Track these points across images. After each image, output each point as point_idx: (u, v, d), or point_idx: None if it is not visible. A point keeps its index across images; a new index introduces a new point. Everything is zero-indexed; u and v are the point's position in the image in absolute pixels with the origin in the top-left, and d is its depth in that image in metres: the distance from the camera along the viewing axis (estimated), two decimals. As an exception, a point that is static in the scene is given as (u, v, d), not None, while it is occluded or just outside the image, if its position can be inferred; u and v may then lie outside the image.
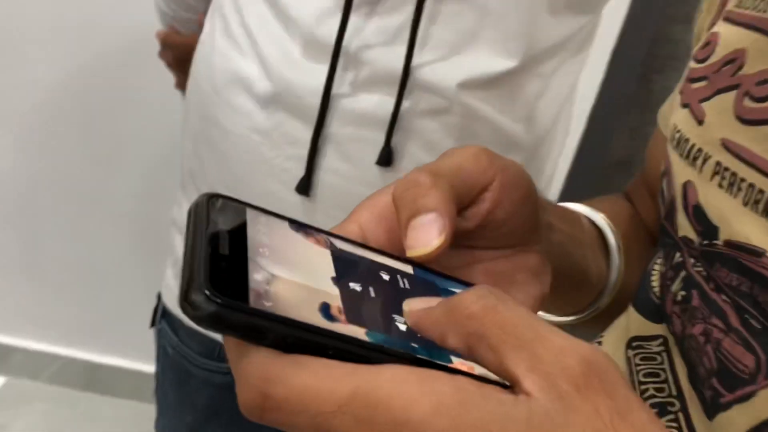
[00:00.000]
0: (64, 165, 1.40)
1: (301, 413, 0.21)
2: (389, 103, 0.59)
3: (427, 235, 0.29)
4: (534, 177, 0.37)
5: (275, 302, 0.24)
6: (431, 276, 0.32)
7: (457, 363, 0.25)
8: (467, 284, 0.33)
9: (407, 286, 0.30)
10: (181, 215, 0.73)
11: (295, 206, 0.64)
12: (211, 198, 0.28)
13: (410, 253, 0.30)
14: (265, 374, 0.22)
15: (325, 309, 0.25)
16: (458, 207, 0.32)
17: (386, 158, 0.61)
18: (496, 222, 0.33)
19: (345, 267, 0.29)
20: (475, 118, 0.61)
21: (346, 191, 0.63)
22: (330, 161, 0.62)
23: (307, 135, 0.61)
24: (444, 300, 0.24)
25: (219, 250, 0.25)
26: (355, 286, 0.27)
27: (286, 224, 0.29)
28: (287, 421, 0.22)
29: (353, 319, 0.25)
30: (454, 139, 0.63)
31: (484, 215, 0.33)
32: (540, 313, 0.46)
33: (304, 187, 0.63)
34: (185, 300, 0.23)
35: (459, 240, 0.34)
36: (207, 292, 0.23)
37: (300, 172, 0.62)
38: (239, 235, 0.27)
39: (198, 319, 0.23)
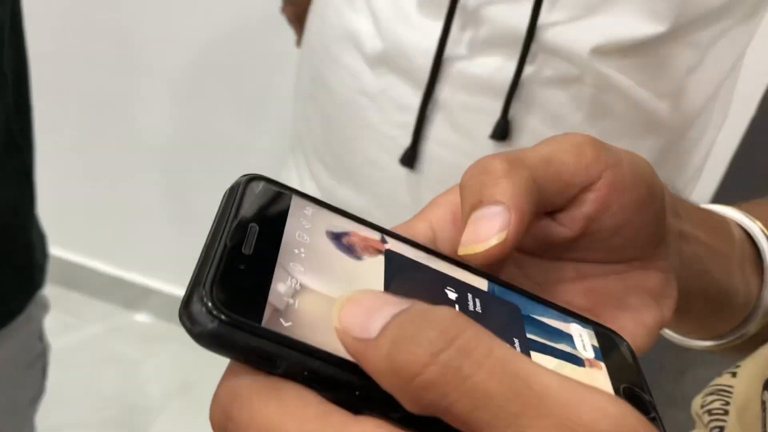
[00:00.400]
0: (212, 119, 1.45)
1: None
2: (509, 68, 0.53)
3: (486, 230, 0.24)
4: (676, 169, 0.29)
5: (296, 322, 0.19)
6: (514, 296, 0.26)
7: None
8: (561, 310, 0.27)
9: (478, 308, 0.24)
10: (289, 179, 0.71)
11: (398, 179, 0.59)
12: (251, 181, 0.24)
13: (461, 251, 0.24)
14: (234, 392, 0.19)
15: None
16: (545, 206, 0.26)
17: (502, 131, 0.54)
18: (604, 231, 0.27)
19: (400, 279, 0.24)
20: (610, 90, 0.53)
21: (456, 166, 0.57)
22: (439, 131, 0.57)
23: (415, 101, 0.56)
24: (387, 335, 0.17)
25: (241, 248, 0.21)
26: None
27: (337, 219, 0.25)
28: None
29: None
30: (584, 113, 0.55)
31: (585, 221, 0.27)
32: (666, 331, 0.38)
33: (410, 158, 0.58)
34: (182, 309, 0.19)
35: (557, 251, 0.28)
36: (209, 304, 0.18)
37: (406, 141, 0.57)
38: (273, 230, 0.22)
39: (195, 336, 0.18)
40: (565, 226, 0.27)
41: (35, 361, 0.73)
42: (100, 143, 1.49)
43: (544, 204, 0.26)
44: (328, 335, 0.19)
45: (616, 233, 0.27)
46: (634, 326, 0.28)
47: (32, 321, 0.71)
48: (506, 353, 0.17)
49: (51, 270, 0.70)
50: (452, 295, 0.24)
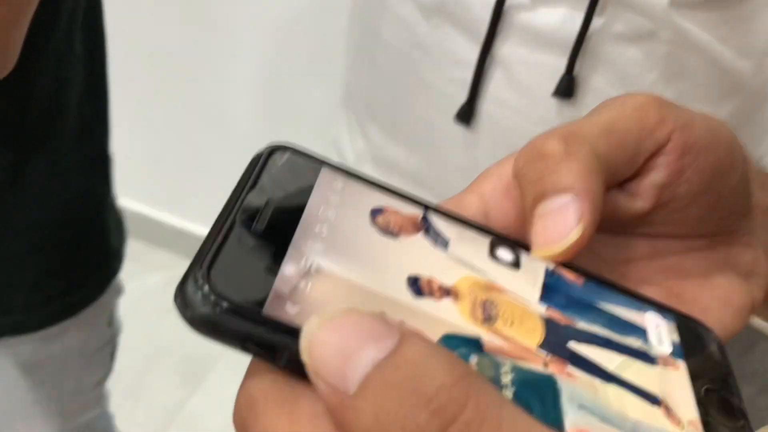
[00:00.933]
0: (271, 76, 1.43)
1: None
2: (576, 20, 0.48)
3: (560, 226, 0.21)
4: (755, 138, 0.26)
5: (306, 309, 0.17)
6: (576, 280, 0.23)
7: None
8: (635, 296, 0.24)
9: (537, 296, 0.22)
10: (340, 135, 0.68)
11: (453, 139, 0.56)
12: (275, 151, 0.22)
13: (535, 253, 0.22)
14: (251, 400, 0.17)
15: None
16: (613, 181, 0.23)
17: (566, 88, 0.50)
18: (679, 200, 0.24)
19: (436, 262, 0.21)
20: (688, 48, 0.48)
21: (514, 127, 0.54)
22: (497, 88, 0.53)
23: (473, 55, 0.52)
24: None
25: (251, 225, 0.19)
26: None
27: (372, 194, 0.22)
28: None
29: None
30: (657, 73, 0.50)
31: (658, 190, 0.24)
32: (756, 320, 0.35)
33: (466, 115, 0.54)
34: (177, 291, 0.17)
35: (629, 225, 0.25)
36: (204, 287, 0.17)
37: (462, 99, 0.54)
38: (293, 205, 0.20)
39: (187, 321, 0.17)
40: (637, 198, 0.24)
41: (104, 347, 0.72)
42: (168, 95, 1.50)
43: (612, 179, 0.23)
44: None
45: (693, 202, 0.24)
46: (719, 307, 0.25)
47: (105, 308, 0.70)
48: (518, 429, 0.14)
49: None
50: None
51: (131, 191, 1.59)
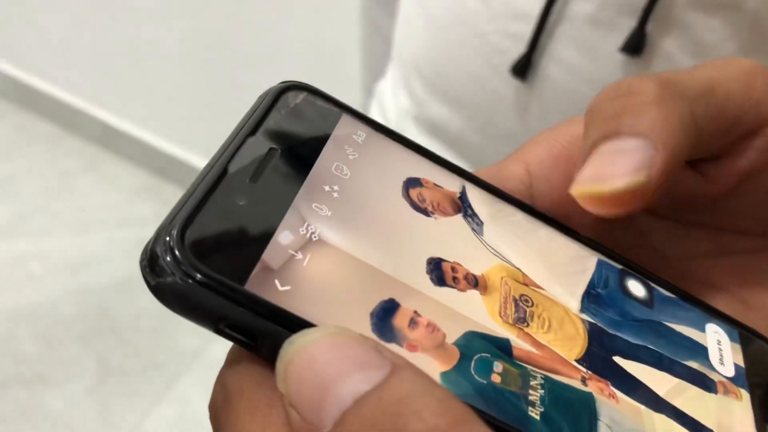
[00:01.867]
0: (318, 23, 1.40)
1: None
2: None
3: (621, 166, 0.17)
4: None
5: (298, 288, 0.14)
6: (629, 281, 0.20)
7: None
8: (695, 303, 0.20)
9: (581, 295, 0.18)
10: (384, 91, 0.65)
11: (504, 99, 0.52)
12: (289, 89, 0.18)
13: (575, 189, 0.18)
14: (227, 391, 0.14)
15: (386, 313, 0.15)
16: (696, 153, 0.19)
17: (636, 43, 0.46)
18: (763, 192, 0.20)
19: (465, 245, 0.18)
20: None
21: (573, 90, 0.50)
22: (559, 46, 0.49)
23: (536, 8, 0.48)
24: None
25: (245, 178, 0.15)
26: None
27: (399, 153, 0.18)
28: None
29: None
30: (737, 44, 0.45)
31: (741, 177, 0.20)
32: None
33: (522, 68, 0.50)
34: (143, 254, 0.14)
35: (694, 213, 0.21)
36: (174, 252, 0.13)
37: (518, 56, 0.50)
38: (301, 158, 0.17)
39: (151, 289, 0.14)
40: (714, 181, 0.20)
41: None
42: (203, 48, 1.47)
43: (696, 150, 0.19)
44: (342, 314, 0.14)
45: None
46: None
47: None
48: None
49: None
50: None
51: (166, 132, 1.59)
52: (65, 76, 1.63)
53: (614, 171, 0.17)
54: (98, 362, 1.17)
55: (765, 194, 0.20)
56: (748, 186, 0.20)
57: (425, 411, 0.11)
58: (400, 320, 0.15)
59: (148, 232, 0.16)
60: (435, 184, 0.18)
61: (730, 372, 0.19)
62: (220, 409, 0.14)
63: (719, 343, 0.19)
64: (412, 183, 0.18)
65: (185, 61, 1.51)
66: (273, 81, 0.19)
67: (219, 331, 0.14)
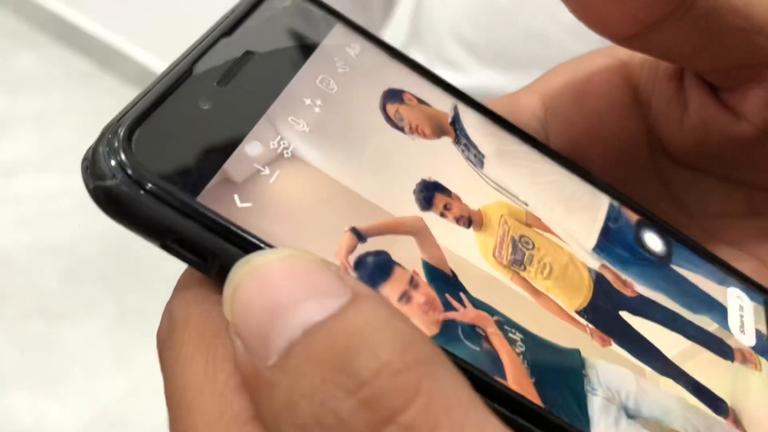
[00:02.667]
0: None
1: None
2: None
3: None
4: None
5: (260, 206, 0.12)
6: (643, 231, 0.18)
7: None
8: (716, 263, 0.18)
9: (592, 243, 0.16)
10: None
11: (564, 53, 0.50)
12: None
13: None
14: (172, 319, 0.13)
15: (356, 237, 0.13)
16: (706, 65, 0.17)
17: None
18: None
19: (463, 177, 0.16)
20: None
21: None
22: None
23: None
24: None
25: (213, 81, 0.14)
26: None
27: (395, 69, 0.17)
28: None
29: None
30: None
31: None
32: None
33: None
34: (86, 153, 0.12)
35: (726, 162, 0.19)
36: (119, 152, 0.12)
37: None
38: (280, 65, 0.15)
39: (90, 192, 0.12)
40: (742, 117, 0.18)
41: None
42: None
43: (705, 45, 0.16)
44: (308, 239, 0.13)
45: None
46: None
47: None
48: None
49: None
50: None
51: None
52: (105, 14, 1.62)
53: None
54: (117, 303, 1.18)
55: None
56: None
57: (379, 345, 0.10)
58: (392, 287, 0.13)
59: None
60: (420, 101, 0.16)
61: (751, 340, 0.17)
62: (165, 339, 0.13)
63: (741, 309, 0.18)
64: (391, 97, 0.16)
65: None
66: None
67: (165, 247, 0.12)
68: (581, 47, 0.47)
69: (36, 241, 1.25)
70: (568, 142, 0.19)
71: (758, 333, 0.18)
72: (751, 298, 0.18)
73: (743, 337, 0.17)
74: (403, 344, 0.10)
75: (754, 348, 0.17)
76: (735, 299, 0.18)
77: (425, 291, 0.14)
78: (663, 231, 0.18)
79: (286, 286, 0.11)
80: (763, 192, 0.20)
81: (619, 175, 0.19)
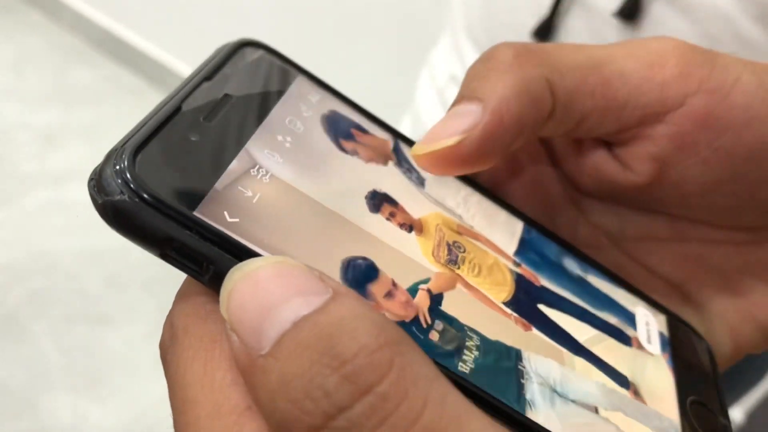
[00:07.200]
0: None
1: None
2: None
3: (447, 130, 0.18)
4: None
5: (247, 220, 0.14)
6: (549, 256, 0.20)
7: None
8: (627, 287, 0.20)
9: (512, 249, 0.19)
10: (430, 55, 0.63)
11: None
12: (247, 45, 0.19)
13: (412, 150, 0.18)
14: (173, 329, 0.15)
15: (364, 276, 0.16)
16: (589, 132, 0.19)
17: (629, 10, 0.44)
18: (692, 184, 0.19)
19: (405, 193, 0.18)
20: None
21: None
22: (572, 6, 0.48)
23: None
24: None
25: (200, 117, 0.16)
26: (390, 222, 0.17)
27: (349, 114, 0.19)
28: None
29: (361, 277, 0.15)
30: (752, 18, 0.42)
31: (655, 164, 0.19)
32: None
33: (630, 9, 0.48)
34: (92, 174, 0.14)
35: (634, 201, 0.21)
36: (125, 171, 0.14)
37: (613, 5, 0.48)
38: (254, 107, 0.17)
39: (98, 208, 0.14)
40: (630, 169, 0.19)
41: None
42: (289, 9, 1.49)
43: (586, 128, 0.19)
44: (287, 247, 0.14)
45: (716, 189, 0.19)
46: (740, 320, 0.21)
47: None
48: (444, 412, 0.11)
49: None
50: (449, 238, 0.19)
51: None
52: (155, 32, 1.68)
53: (444, 133, 0.18)
54: (158, 309, 1.21)
55: (697, 186, 0.19)
56: (671, 176, 0.19)
57: (358, 331, 0.12)
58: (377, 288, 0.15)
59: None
60: (365, 132, 0.19)
61: (656, 346, 0.19)
62: (167, 348, 0.15)
63: (647, 321, 0.20)
64: (342, 132, 0.19)
65: (273, 22, 1.53)
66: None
67: (165, 256, 0.14)
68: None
69: (83, 247, 1.30)
70: (488, 175, 0.21)
71: (662, 336, 0.20)
72: (654, 314, 0.20)
73: (650, 347, 0.19)
74: (377, 329, 0.12)
75: (661, 350, 0.19)
76: (642, 314, 0.20)
77: (403, 292, 0.16)
78: (577, 255, 0.20)
79: (275, 286, 0.13)
80: (683, 221, 0.21)
81: (536, 205, 0.21)
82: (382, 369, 0.11)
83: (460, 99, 0.18)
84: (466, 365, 0.15)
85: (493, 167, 0.20)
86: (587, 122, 0.19)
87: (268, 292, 0.12)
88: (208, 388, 0.14)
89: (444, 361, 0.15)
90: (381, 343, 0.12)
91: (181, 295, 0.15)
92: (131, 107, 1.58)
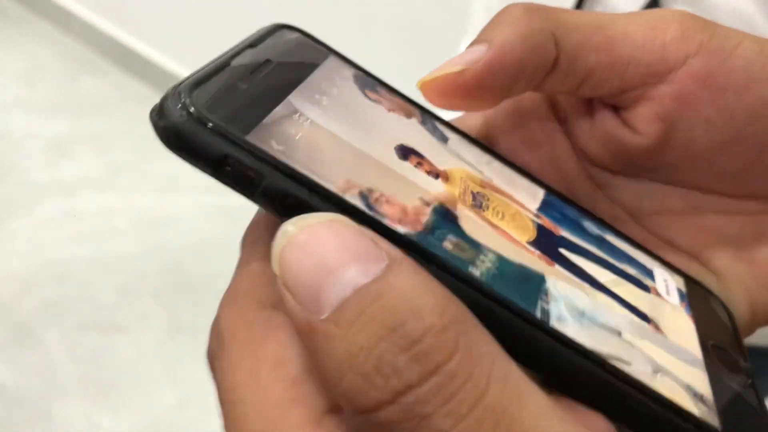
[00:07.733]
0: None
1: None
2: None
3: (453, 61, 0.19)
4: None
5: (291, 149, 0.16)
6: (570, 216, 0.20)
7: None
8: (645, 251, 0.21)
9: (535, 207, 0.20)
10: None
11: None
12: (282, 28, 0.21)
13: (419, 81, 0.20)
14: (220, 335, 0.15)
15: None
16: (594, 91, 0.20)
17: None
18: (699, 144, 0.19)
19: (432, 147, 0.20)
20: None
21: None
22: (594, 6, 0.48)
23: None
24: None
25: (249, 72, 0.18)
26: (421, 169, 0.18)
27: (378, 88, 0.21)
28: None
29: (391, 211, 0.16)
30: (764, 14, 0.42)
31: (661, 124, 0.19)
32: None
33: None
34: (155, 106, 0.16)
35: (644, 169, 0.21)
36: (185, 100, 0.15)
37: None
38: (293, 71, 0.19)
39: (158, 131, 0.15)
40: (637, 132, 0.20)
41: None
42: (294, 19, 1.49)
43: (591, 87, 0.20)
44: (331, 174, 0.16)
45: (723, 151, 0.19)
46: (757, 287, 0.21)
47: None
48: (506, 389, 0.12)
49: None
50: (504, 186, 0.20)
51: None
52: (163, 41, 1.69)
53: (447, 64, 0.19)
54: (170, 318, 1.22)
55: (703, 148, 0.19)
56: (679, 137, 0.19)
57: (424, 308, 0.12)
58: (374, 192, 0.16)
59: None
60: (396, 96, 0.21)
61: (675, 298, 0.20)
62: (215, 353, 0.15)
63: (665, 278, 0.20)
64: (370, 87, 0.21)
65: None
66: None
67: (219, 174, 0.15)
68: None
69: (94, 256, 1.31)
70: (507, 151, 0.22)
71: (679, 291, 0.20)
72: (672, 274, 0.21)
73: (669, 298, 0.20)
74: (441, 307, 0.12)
75: (679, 302, 0.20)
76: (660, 272, 0.21)
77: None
78: (598, 221, 0.21)
79: (332, 248, 0.13)
80: (696, 192, 0.21)
81: (554, 181, 0.22)
82: (449, 349, 0.12)
83: (471, 44, 0.19)
84: (496, 279, 0.16)
85: (511, 142, 0.21)
86: (592, 78, 0.19)
87: (326, 254, 0.12)
88: (255, 386, 0.14)
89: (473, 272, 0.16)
90: (446, 322, 0.12)
91: (226, 302, 0.16)
92: (140, 116, 1.59)
